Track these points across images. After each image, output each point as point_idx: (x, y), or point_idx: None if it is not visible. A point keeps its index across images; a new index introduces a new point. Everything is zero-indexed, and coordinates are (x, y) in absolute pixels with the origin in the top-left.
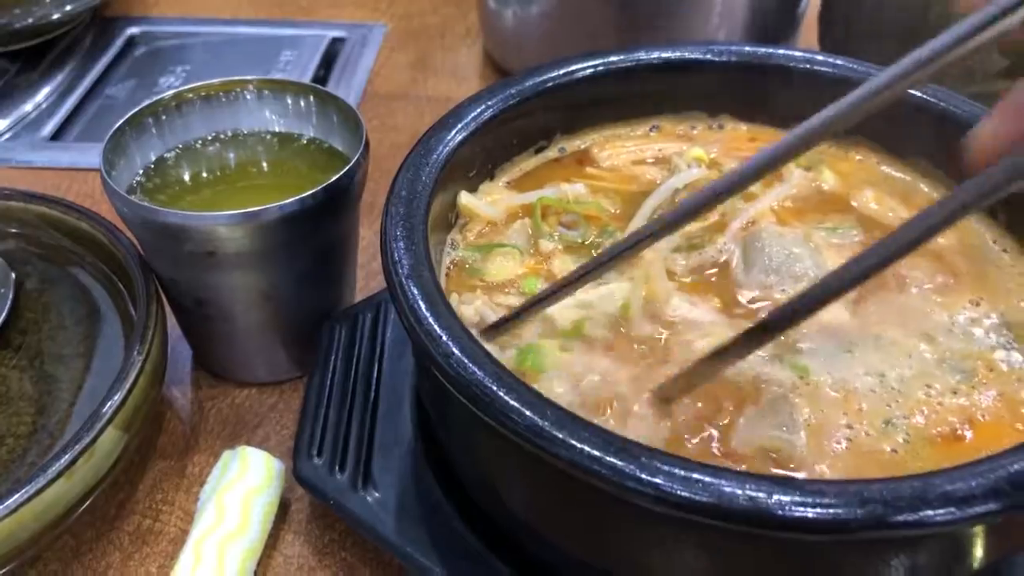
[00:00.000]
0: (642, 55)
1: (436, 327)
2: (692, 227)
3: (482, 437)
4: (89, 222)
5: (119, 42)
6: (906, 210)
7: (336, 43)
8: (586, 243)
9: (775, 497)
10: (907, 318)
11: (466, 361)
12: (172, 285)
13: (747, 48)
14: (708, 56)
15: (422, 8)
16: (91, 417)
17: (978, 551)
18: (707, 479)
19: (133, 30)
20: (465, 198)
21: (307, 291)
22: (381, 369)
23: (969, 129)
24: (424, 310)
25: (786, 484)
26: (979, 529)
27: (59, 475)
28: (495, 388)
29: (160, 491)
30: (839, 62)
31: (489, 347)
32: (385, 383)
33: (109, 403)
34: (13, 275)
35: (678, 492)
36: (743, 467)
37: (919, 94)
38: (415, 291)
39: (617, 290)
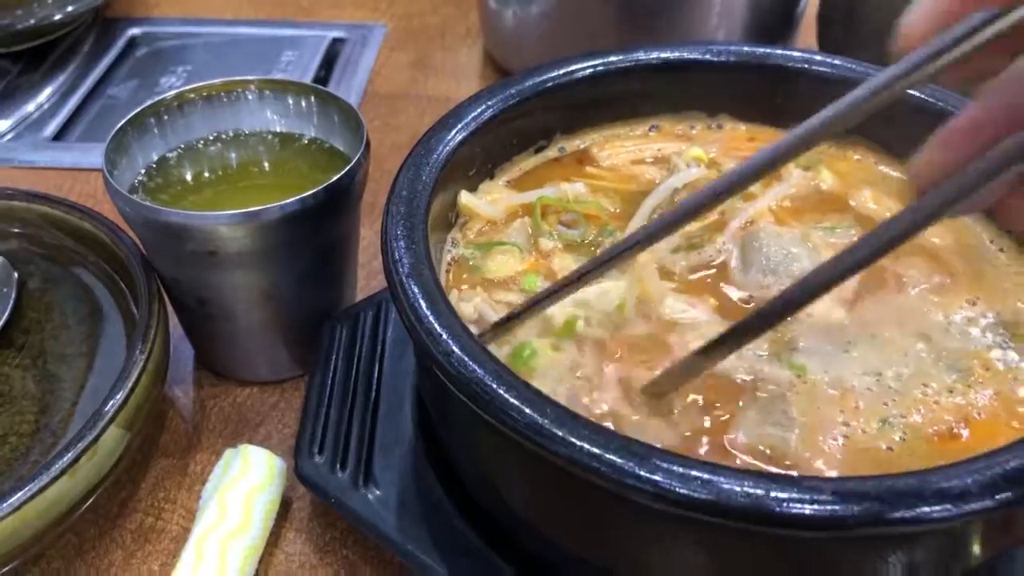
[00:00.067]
0: (641, 55)
1: (436, 326)
2: (691, 226)
3: (482, 435)
4: (91, 222)
5: (121, 43)
6: None
7: (337, 43)
8: (586, 242)
9: (773, 494)
10: (904, 317)
11: (466, 359)
12: (174, 284)
13: (746, 48)
14: (707, 56)
15: (422, 8)
16: (94, 416)
17: (974, 547)
18: (705, 476)
19: (134, 31)
20: (465, 197)
21: (308, 290)
22: (382, 368)
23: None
24: (425, 309)
25: (784, 481)
26: (975, 526)
27: (62, 473)
28: (495, 386)
29: (162, 489)
30: (838, 62)
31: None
32: (386, 382)
33: (111, 402)
34: (16, 275)
35: (676, 489)
36: (740, 464)
37: (918, 94)
38: (416, 290)
39: (613, 289)
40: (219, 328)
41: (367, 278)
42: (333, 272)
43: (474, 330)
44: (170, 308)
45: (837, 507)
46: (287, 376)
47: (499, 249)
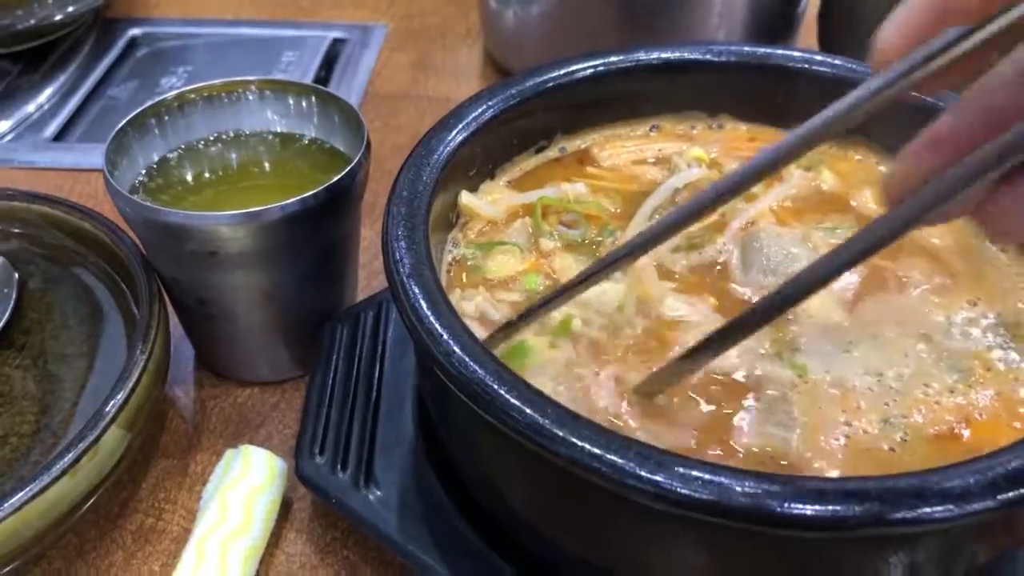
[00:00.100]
0: (642, 55)
1: (437, 326)
2: (692, 226)
3: (483, 435)
4: (92, 222)
5: (121, 43)
6: None
7: (337, 44)
8: (587, 242)
9: (774, 494)
10: (905, 318)
11: (467, 360)
12: (174, 285)
13: (746, 48)
14: (707, 56)
15: (423, 8)
16: (94, 416)
17: (976, 548)
18: (706, 476)
19: (135, 31)
20: (466, 197)
21: (309, 290)
22: (383, 368)
23: None
24: (425, 309)
25: (785, 481)
26: (977, 526)
27: (63, 474)
28: (496, 386)
29: (163, 490)
30: (838, 62)
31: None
32: (387, 382)
33: (112, 402)
34: (16, 275)
35: (678, 489)
36: (741, 464)
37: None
38: (416, 290)
39: (611, 289)
40: (220, 328)
41: (368, 278)
42: (334, 272)
43: (476, 328)
44: (170, 308)
45: (838, 507)
46: (288, 376)
47: (500, 249)
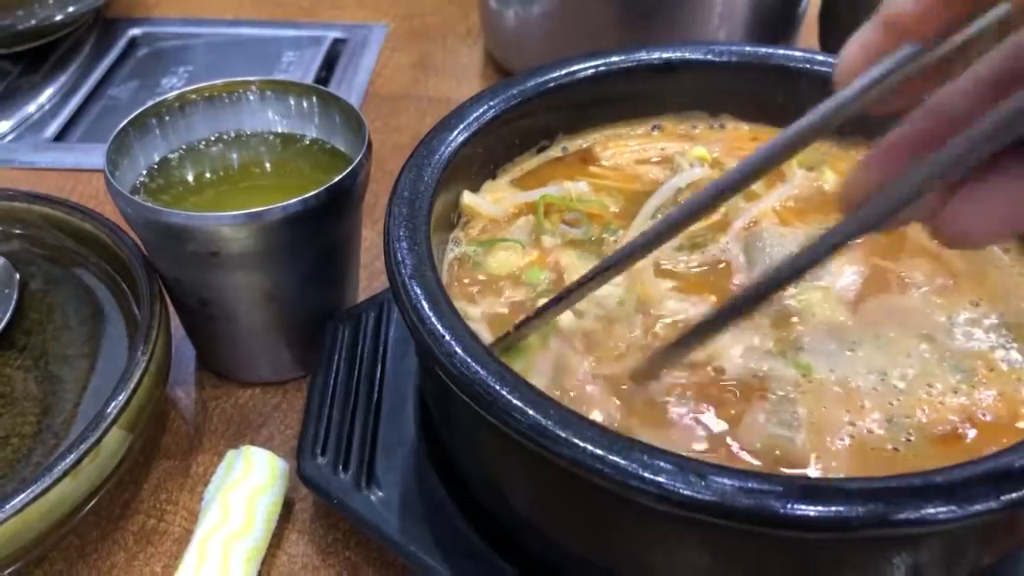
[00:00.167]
0: (643, 55)
1: (439, 326)
2: (695, 226)
3: (485, 436)
4: (93, 223)
5: (121, 43)
6: None
7: (338, 44)
8: (590, 240)
9: (777, 495)
10: (908, 318)
11: (469, 360)
12: (176, 285)
13: (747, 48)
14: (709, 56)
15: (423, 8)
16: (96, 417)
17: (980, 549)
18: (709, 477)
19: (135, 31)
20: (468, 197)
21: (310, 291)
22: (384, 369)
23: None
24: (427, 310)
25: (788, 482)
26: (980, 527)
27: (64, 475)
28: (498, 387)
29: (164, 491)
30: None
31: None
32: (388, 383)
33: (114, 403)
34: (17, 276)
35: (680, 490)
36: (745, 465)
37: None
38: (418, 291)
39: (612, 292)
40: (221, 329)
41: (369, 278)
42: (335, 273)
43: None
44: (172, 309)
45: (841, 508)
46: (289, 377)
47: (501, 246)
